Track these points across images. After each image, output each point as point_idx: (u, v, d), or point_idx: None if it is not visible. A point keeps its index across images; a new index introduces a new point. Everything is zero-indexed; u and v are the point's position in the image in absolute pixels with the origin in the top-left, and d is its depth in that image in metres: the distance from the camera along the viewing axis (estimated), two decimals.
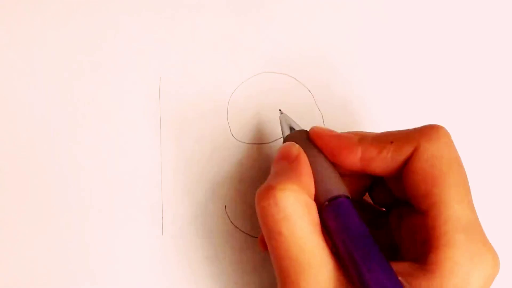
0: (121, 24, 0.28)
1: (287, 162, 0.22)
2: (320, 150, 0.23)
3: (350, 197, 0.22)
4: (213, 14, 0.29)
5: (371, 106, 0.29)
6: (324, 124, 0.29)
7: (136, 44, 0.28)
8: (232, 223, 0.28)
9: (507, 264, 0.30)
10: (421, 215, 0.21)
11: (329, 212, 0.21)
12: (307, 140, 0.24)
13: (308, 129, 0.25)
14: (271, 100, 0.29)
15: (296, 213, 0.20)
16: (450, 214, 0.21)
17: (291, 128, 0.26)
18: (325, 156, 0.23)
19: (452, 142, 0.22)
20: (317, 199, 0.22)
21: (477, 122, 0.30)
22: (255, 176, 0.28)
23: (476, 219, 0.21)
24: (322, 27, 0.30)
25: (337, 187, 0.22)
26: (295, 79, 0.29)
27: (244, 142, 0.28)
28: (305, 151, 0.23)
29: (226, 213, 0.28)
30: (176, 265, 0.27)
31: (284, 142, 0.25)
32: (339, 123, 0.29)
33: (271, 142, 0.29)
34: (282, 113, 0.27)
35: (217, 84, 0.29)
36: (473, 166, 0.30)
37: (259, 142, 0.29)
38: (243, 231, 0.28)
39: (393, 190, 0.24)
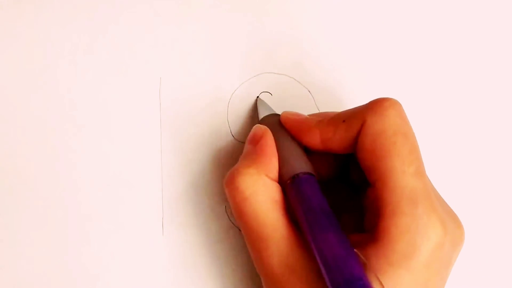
0: (121, 24, 0.28)
1: (252, 145, 0.24)
2: (289, 133, 0.25)
3: (315, 175, 0.23)
4: (213, 14, 0.29)
5: None
6: None
7: (136, 44, 0.28)
8: (232, 223, 0.28)
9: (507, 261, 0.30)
10: (372, 188, 0.22)
11: (291, 188, 0.23)
12: (279, 123, 0.25)
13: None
14: (271, 100, 0.29)
15: (254, 194, 0.23)
16: (393, 185, 0.21)
17: (267, 112, 0.27)
18: (293, 137, 0.25)
19: (398, 113, 0.22)
20: (282, 177, 0.24)
21: (482, 125, 0.31)
22: None
23: (424, 187, 0.22)
24: (322, 27, 0.30)
25: (300, 165, 0.23)
26: (294, 79, 0.29)
27: (244, 142, 0.28)
28: (275, 134, 0.25)
29: (226, 213, 0.28)
30: (176, 265, 0.27)
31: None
32: None
33: None
34: (258, 97, 0.28)
35: (217, 85, 0.29)
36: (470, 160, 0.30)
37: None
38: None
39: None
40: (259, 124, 0.26)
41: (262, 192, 0.23)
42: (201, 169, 0.28)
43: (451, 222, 0.22)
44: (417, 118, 0.30)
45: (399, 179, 0.21)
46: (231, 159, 0.28)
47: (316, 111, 0.29)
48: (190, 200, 0.28)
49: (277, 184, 0.24)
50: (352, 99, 0.29)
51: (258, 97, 0.28)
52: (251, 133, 0.25)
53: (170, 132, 0.28)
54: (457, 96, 0.31)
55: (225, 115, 0.28)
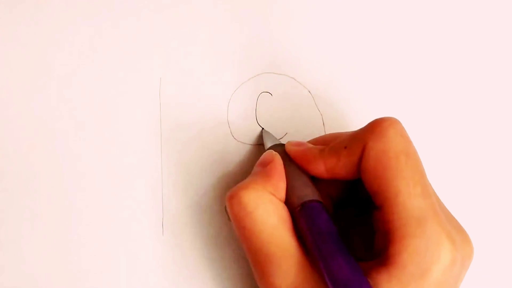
0: (121, 25, 0.28)
1: (261, 167, 0.24)
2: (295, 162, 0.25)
3: (322, 202, 0.23)
4: (213, 15, 0.29)
5: (371, 107, 0.30)
6: (323, 125, 0.29)
7: (136, 45, 0.28)
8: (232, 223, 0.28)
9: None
10: (379, 212, 0.22)
11: (301, 215, 0.22)
12: (284, 153, 0.25)
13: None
14: (271, 100, 0.29)
15: (258, 209, 0.22)
16: (401, 207, 0.21)
17: (274, 141, 0.28)
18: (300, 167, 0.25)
19: (399, 132, 0.22)
20: (291, 205, 0.23)
21: (479, 125, 0.31)
22: None
23: (432, 207, 0.21)
24: (322, 27, 0.30)
25: (308, 193, 0.23)
26: (294, 79, 0.29)
27: (244, 143, 0.29)
28: (283, 161, 0.24)
29: (227, 213, 0.28)
30: (176, 265, 0.27)
31: None
32: (338, 123, 0.29)
33: None
34: (263, 129, 0.29)
35: (217, 85, 0.29)
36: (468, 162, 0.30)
37: (259, 143, 0.29)
38: None
39: None
40: (270, 150, 0.25)
41: (268, 207, 0.22)
42: (201, 169, 0.28)
43: (460, 239, 0.22)
44: (418, 118, 0.30)
45: (406, 201, 0.21)
46: (231, 159, 0.28)
47: (316, 111, 0.29)
48: (190, 200, 0.28)
49: (284, 205, 0.23)
50: (352, 99, 0.29)
51: (263, 128, 0.29)
52: (261, 158, 0.25)
53: (170, 132, 0.28)
54: (459, 97, 0.31)
55: (225, 115, 0.28)
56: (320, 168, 0.24)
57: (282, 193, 0.23)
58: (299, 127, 0.29)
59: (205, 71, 0.29)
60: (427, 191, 0.22)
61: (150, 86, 0.28)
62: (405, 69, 0.30)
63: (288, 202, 0.24)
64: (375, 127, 0.22)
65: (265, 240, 0.22)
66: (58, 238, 0.27)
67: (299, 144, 0.25)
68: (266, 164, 0.24)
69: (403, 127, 0.22)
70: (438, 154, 0.30)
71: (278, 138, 0.29)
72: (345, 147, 0.23)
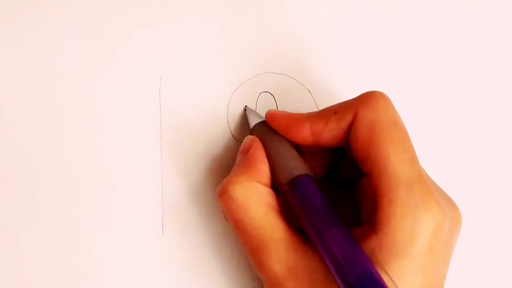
0: (121, 25, 0.29)
1: (243, 155, 0.25)
2: (278, 135, 0.25)
3: (311, 175, 0.23)
4: (213, 15, 0.29)
5: None
6: None
7: (136, 44, 0.28)
8: None
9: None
10: (367, 178, 0.23)
11: (290, 192, 0.23)
12: (268, 128, 0.26)
13: None
14: (271, 100, 0.29)
15: (247, 201, 0.23)
16: (389, 172, 0.22)
17: (257, 120, 0.27)
18: (284, 140, 0.25)
19: (389, 105, 0.23)
20: (279, 182, 0.24)
21: (476, 122, 0.31)
22: None
23: (419, 173, 0.22)
24: (322, 27, 0.30)
25: (297, 167, 0.24)
26: (295, 79, 0.29)
27: None
28: (266, 140, 0.25)
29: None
30: (176, 265, 0.27)
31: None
32: None
33: None
34: (246, 107, 0.28)
35: (217, 85, 0.29)
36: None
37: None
38: None
39: (353, 160, 0.25)
40: (248, 135, 0.26)
41: (255, 197, 0.23)
42: (201, 169, 0.28)
43: (447, 205, 0.22)
44: (418, 118, 0.30)
45: (395, 166, 0.22)
46: (231, 159, 0.28)
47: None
48: (190, 200, 0.28)
49: (270, 189, 0.24)
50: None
51: (246, 106, 0.28)
52: (241, 145, 0.26)
53: (170, 132, 0.28)
54: (459, 98, 0.31)
55: (225, 115, 0.28)
56: (305, 132, 0.24)
57: (266, 177, 0.24)
58: None
59: (205, 71, 0.29)
60: (415, 159, 0.22)
61: (150, 86, 0.28)
62: (405, 69, 0.30)
63: (275, 179, 0.24)
64: (368, 97, 0.23)
65: (257, 227, 0.23)
66: (58, 238, 0.27)
67: (282, 111, 0.26)
68: (246, 151, 0.25)
69: (391, 101, 0.23)
70: (436, 154, 0.30)
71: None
72: (335, 113, 0.24)
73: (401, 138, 0.22)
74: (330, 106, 0.24)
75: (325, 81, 0.29)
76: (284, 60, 0.29)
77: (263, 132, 0.26)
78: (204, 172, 0.28)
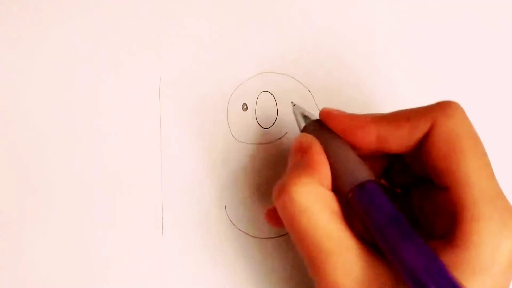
0: (121, 24, 0.28)
1: (299, 155, 0.23)
2: (336, 136, 0.23)
3: (378, 181, 0.22)
4: (213, 14, 0.29)
5: (371, 107, 0.29)
6: None
7: (136, 44, 0.28)
8: (232, 223, 0.28)
9: None
10: (443, 191, 0.21)
11: (356, 199, 0.21)
12: (322, 128, 0.24)
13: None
14: (271, 100, 0.29)
15: (311, 205, 0.21)
16: (473, 187, 0.20)
17: (306, 118, 0.25)
18: (343, 141, 0.23)
19: (467, 117, 0.22)
20: (341, 186, 0.22)
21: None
22: (255, 176, 0.28)
23: (499, 189, 0.21)
24: (322, 27, 0.30)
25: (362, 173, 0.22)
26: (295, 79, 0.29)
27: (244, 142, 0.29)
28: (322, 139, 0.23)
29: (226, 213, 0.28)
30: (176, 266, 0.27)
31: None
32: None
33: (271, 142, 0.29)
34: (294, 105, 0.27)
35: (217, 84, 0.29)
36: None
37: (259, 142, 0.29)
38: (243, 231, 0.28)
39: (413, 168, 0.24)
40: (304, 133, 0.24)
41: (320, 203, 0.21)
42: (201, 169, 0.28)
43: None
44: None
45: (478, 182, 0.20)
46: (231, 159, 0.28)
47: (316, 111, 0.29)
48: (190, 200, 0.28)
49: (333, 194, 0.22)
50: (352, 98, 0.29)
51: (294, 104, 0.27)
52: (296, 143, 0.24)
53: (170, 132, 0.28)
54: (459, 98, 0.30)
55: (225, 115, 0.28)
56: (370, 135, 0.22)
57: (328, 181, 0.22)
58: None
59: (205, 71, 0.29)
60: (494, 174, 0.21)
61: (150, 86, 0.28)
62: (405, 69, 0.30)
63: (336, 185, 0.22)
64: (446, 107, 0.22)
65: (322, 236, 0.21)
66: (58, 238, 0.27)
67: (339, 110, 0.24)
68: (305, 151, 0.23)
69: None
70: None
71: (279, 137, 0.28)
72: (408, 119, 0.22)
73: (481, 152, 0.21)
74: (400, 111, 0.23)
75: (325, 81, 0.29)
76: (284, 60, 0.29)
77: (317, 131, 0.24)
78: (204, 172, 0.28)
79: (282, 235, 0.28)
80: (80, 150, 0.27)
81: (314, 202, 0.21)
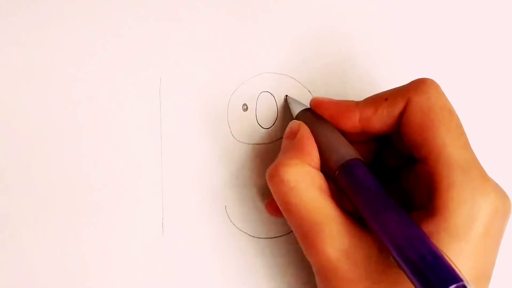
0: (121, 24, 0.28)
1: (290, 140, 0.25)
2: (325, 121, 0.25)
3: (362, 159, 0.23)
4: (213, 14, 0.29)
5: None
6: None
7: (136, 44, 0.28)
8: (232, 223, 0.28)
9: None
10: (422, 164, 0.23)
11: (342, 176, 0.23)
12: (312, 115, 0.26)
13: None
14: (271, 100, 0.29)
15: (300, 183, 0.23)
16: (446, 157, 0.22)
17: (298, 107, 0.27)
18: (331, 126, 0.25)
19: (441, 91, 0.23)
20: (329, 166, 0.24)
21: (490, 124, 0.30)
22: (255, 176, 0.28)
23: (474, 158, 0.22)
24: (322, 27, 0.30)
25: (348, 152, 0.24)
26: (295, 79, 0.29)
27: (244, 142, 0.29)
28: (313, 126, 0.25)
29: (226, 213, 0.28)
30: (176, 265, 0.27)
31: None
32: None
33: (271, 142, 0.29)
34: (287, 96, 0.29)
35: (217, 85, 0.29)
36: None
37: (259, 142, 0.29)
38: (243, 231, 0.28)
39: (400, 149, 0.25)
40: (293, 120, 0.26)
41: (307, 180, 0.23)
42: (201, 169, 0.28)
43: (500, 191, 0.22)
44: None
45: (452, 152, 0.22)
46: (231, 159, 0.28)
47: None
48: (190, 200, 0.28)
49: (321, 173, 0.24)
50: (352, 98, 0.29)
51: (287, 95, 0.29)
52: (287, 129, 0.26)
53: (170, 132, 0.28)
54: (459, 97, 0.31)
55: (225, 115, 0.28)
56: (353, 119, 0.24)
57: (316, 161, 0.24)
58: None
59: (205, 71, 0.29)
60: (469, 144, 0.23)
61: (150, 86, 0.28)
62: (405, 69, 0.30)
63: (324, 165, 0.24)
64: (419, 84, 0.23)
65: (310, 210, 0.22)
66: (58, 238, 0.27)
67: (328, 98, 0.26)
68: (294, 135, 0.25)
69: (441, 88, 0.23)
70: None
71: (279, 137, 0.29)
72: (386, 99, 0.24)
73: (455, 124, 0.22)
74: (379, 93, 0.25)
75: (325, 81, 0.29)
76: (284, 60, 0.29)
77: (308, 118, 0.26)
78: (204, 172, 0.28)
79: (282, 235, 0.28)
80: (80, 150, 0.27)
81: (302, 180, 0.23)
